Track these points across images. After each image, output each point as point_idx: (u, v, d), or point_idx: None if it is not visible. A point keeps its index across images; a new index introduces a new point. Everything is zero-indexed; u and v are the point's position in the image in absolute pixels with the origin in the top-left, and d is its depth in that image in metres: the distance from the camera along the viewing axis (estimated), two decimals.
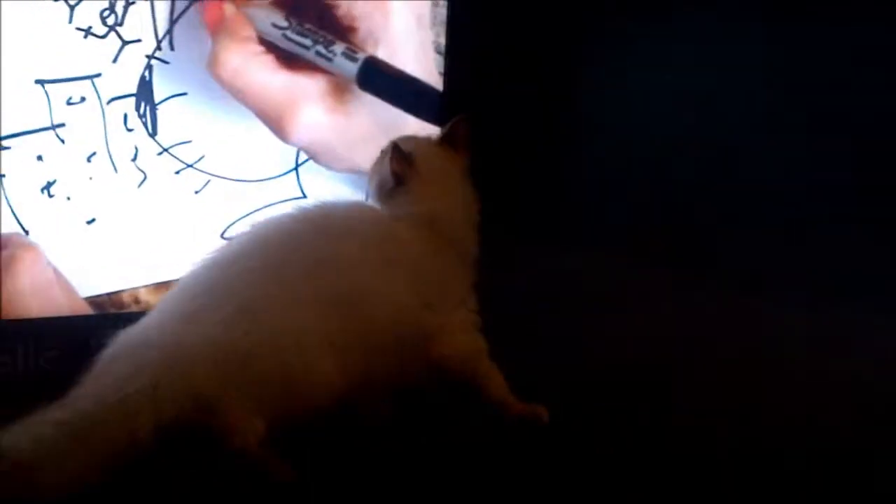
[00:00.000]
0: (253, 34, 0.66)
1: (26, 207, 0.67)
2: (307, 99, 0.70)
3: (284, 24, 0.66)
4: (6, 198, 0.65)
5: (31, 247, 0.66)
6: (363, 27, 0.68)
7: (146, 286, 0.70)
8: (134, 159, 0.69)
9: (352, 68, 0.67)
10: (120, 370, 0.54)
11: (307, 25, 0.65)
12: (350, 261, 0.59)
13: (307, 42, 0.66)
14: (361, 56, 0.67)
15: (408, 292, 0.61)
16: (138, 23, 0.67)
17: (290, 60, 0.69)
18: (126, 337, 0.56)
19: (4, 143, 0.63)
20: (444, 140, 0.66)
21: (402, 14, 0.68)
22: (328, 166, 0.74)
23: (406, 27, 0.67)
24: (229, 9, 0.65)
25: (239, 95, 0.67)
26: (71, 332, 0.68)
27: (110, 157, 0.67)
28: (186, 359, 0.54)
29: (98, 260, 0.70)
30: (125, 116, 0.68)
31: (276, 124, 0.69)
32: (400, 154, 0.63)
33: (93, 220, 0.67)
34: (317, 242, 0.60)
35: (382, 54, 0.70)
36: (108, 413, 0.52)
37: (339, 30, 0.68)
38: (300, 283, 0.58)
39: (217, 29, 0.66)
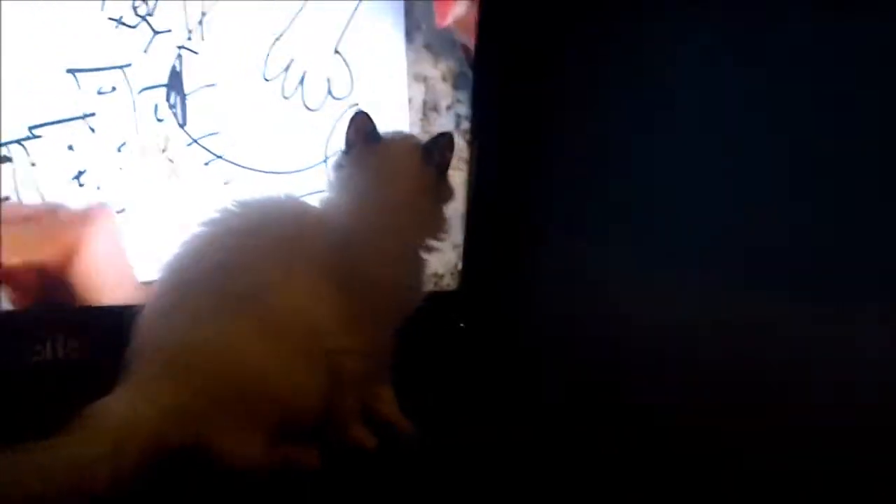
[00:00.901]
0: None
1: (57, 196, 0.67)
2: None
3: None
4: (37, 186, 0.64)
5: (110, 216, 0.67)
6: None
7: None
8: (164, 150, 0.68)
9: None
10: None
11: None
12: (255, 257, 0.60)
13: None
14: None
15: (307, 294, 0.61)
16: (169, 13, 0.66)
17: None
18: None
19: (35, 131, 0.63)
20: (424, 147, 0.64)
21: None
22: None
23: None
24: None
25: None
26: (101, 321, 0.68)
27: (141, 147, 0.67)
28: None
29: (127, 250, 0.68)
30: (155, 107, 0.68)
31: None
32: (363, 121, 0.63)
33: (122, 209, 0.66)
34: (227, 243, 0.61)
35: None
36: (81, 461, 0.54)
37: None
38: (213, 287, 0.59)
39: None
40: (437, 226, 0.62)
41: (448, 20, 0.69)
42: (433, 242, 0.63)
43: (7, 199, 0.62)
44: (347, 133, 0.63)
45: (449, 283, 0.79)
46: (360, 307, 0.61)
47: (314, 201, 0.64)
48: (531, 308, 0.79)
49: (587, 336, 0.72)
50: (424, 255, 0.63)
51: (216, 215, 0.61)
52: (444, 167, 0.64)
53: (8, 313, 0.64)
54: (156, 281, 0.59)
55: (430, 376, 0.70)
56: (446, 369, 0.73)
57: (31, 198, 0.67)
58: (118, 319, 0.61)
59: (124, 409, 0.56)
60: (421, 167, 0.63)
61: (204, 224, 0.60)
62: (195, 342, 0.58)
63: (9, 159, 0.64)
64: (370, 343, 0.63)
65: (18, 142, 0.65)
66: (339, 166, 0.63)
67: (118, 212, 0.68)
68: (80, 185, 0.67)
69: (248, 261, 0.60)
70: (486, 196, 0.76)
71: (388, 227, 0.63)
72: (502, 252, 0.78)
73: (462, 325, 0.79)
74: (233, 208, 0.61)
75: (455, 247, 0.78)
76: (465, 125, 0.77)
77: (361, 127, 0.63)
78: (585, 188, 0.75)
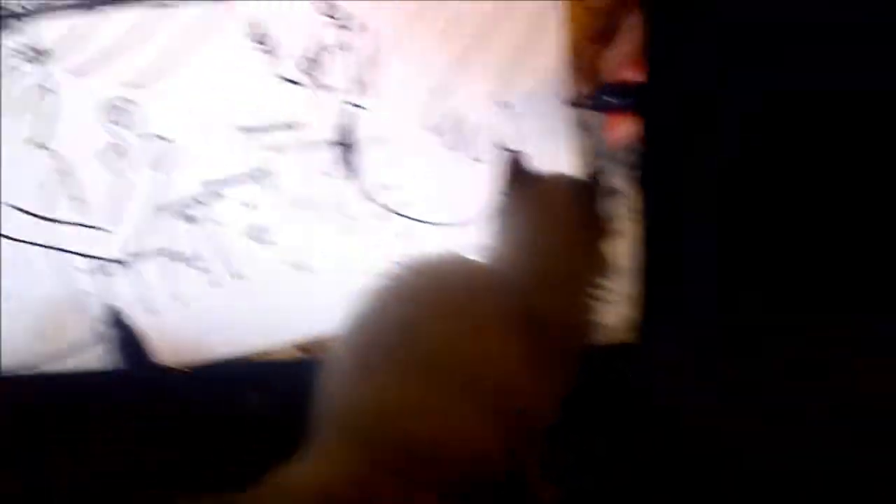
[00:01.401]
0: None
1: (238, 254, 0.70)
2: None
3: None
4: (220, 244, 0.67)
5: None
6: None
7: None
8: (337, 204, 0.69)
9: None
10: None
11: None
12: (436, 316, 0.59)
13: None
14: None
15: (494, 351, 0.59)
16: (339, 70, 0.68)
17: None
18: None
19: (217, 189, 0.66)
20: (582, 185, 0.62)
21: None
22: None
23: None
24: None
25: None
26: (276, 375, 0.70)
27: (315, 202, 0.70)
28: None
29: (305, 304, 0.71)
30: (328, 162, 0.69)
31: None
32: (517, 163, 0.62)
33: (300, 264, 0.68)
34: (406, 302, 0.60)
35: None
36: None
37: None
38: (395, 347, 0.58)
39: None
40: (602, 265, 0.61)
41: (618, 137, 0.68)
42: (601, 282, 0.61)
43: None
44: (503, 177, 0.61)
45: (622, 336, 0.77)
46: (542, 359, 0.59)
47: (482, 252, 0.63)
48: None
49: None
50: (596, 297, 0.62)
51: (392, 273, 0.61)
52: (604, 205, 0.61)
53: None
54: (335, 338, 0.60)
55: (599, 430, 0.69)
56: (616, 423, 0.71)
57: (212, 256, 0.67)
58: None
59: (312, 477, 0.57)
60: (579, 205, 0.61)
61: (381, 282, 0.60)
62: (382, 406, 0.57)
63: (192, 218, 0.67)
64: (555, 398, 0.60)
65: (201, 200, 0.67)
66: (498, 212, 0.62)
67: (295, 267, 0.69)
68: (260, 242, 0.69)
69: (431, 320, 0.59)
70: (659, 245, 0.75)
71: (556, 271, 0.61)
72: (678, 302, 0.77)
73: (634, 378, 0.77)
74: (408, 266, 0.61)
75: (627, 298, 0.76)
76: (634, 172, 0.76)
77: (516, 169, 0.62)
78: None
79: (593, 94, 0.69)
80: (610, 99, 0.68)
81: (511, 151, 0.62)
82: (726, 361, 0.73)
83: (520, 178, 0.63)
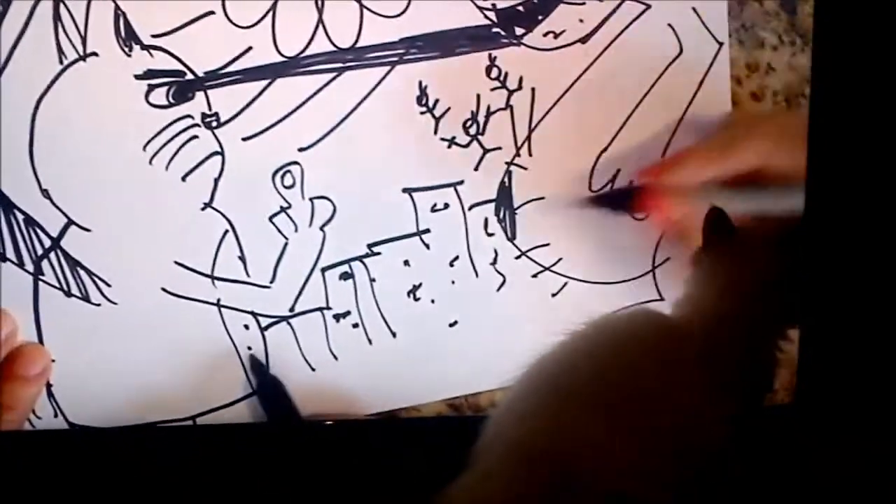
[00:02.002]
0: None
1: (394, 311, 0.71)
2: None
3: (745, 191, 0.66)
4: (376, 302, 0.67)
5: None
6: None
7: (502, 388, 0.70)
8: (493, 263, 0.70)
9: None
10: None
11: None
12: (627, 366, 0.59)
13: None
14: None
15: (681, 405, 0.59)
16: (499, 131, 0.68)
17: None
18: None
19: (375, 248, 0.66)
20: (782, 238, 0.62)
21: None
22: None
23: None
24: (679, 208, 0.65)
25: None
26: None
27: (471, 261, 0.70)
28: None
29: (459, 361, 0.72)
30: (486, 221, 0.70)
31: None
32: (718, 216, 0.62)
33: (455, 322, 0.68)
34: (594, 353, 0.60)
35: None
36: None
37: None
38: (582, 392, 0.58)
39: (671, 233, 0.67)
40: (790, 314, 0.60)
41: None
42: (787, 332, 0.62)
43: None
44: (704, 230, 0.62)
45: (783, 397, 0.76)
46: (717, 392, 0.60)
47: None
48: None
49: None
50: (780, 347, 0.63)
51: (580, 328, 0.61)
52: (796, 258, 0.60)
53: None
54: (513, 384, 0.60)
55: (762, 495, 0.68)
56: (781, 487, 0.70)
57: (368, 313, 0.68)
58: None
59: (475, 493, 0.56)
60: (777, 259, 0.61)
61: (567, 335, 0.61)
62: (549, 434, 0.57)
63: (350, 276, 0.66)
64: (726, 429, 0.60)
65: (360, 259, 0.68)
66: (696, 261, 0.63)
67: (450, 325, 0.69)
68: (416, 300, 0.69)
69: (611, 365, 0.60)
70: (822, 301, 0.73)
71: (743, 313, 0.62)
72: (842, 366, 0.75)
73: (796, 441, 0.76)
74: (597, 321, 0.61)
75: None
76: None
77: (716, 222, 0.61)
78: None
79: None
80: None
81: (712, 207, 0.63)
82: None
83: (718, 231, 0.63)
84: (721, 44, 0.72)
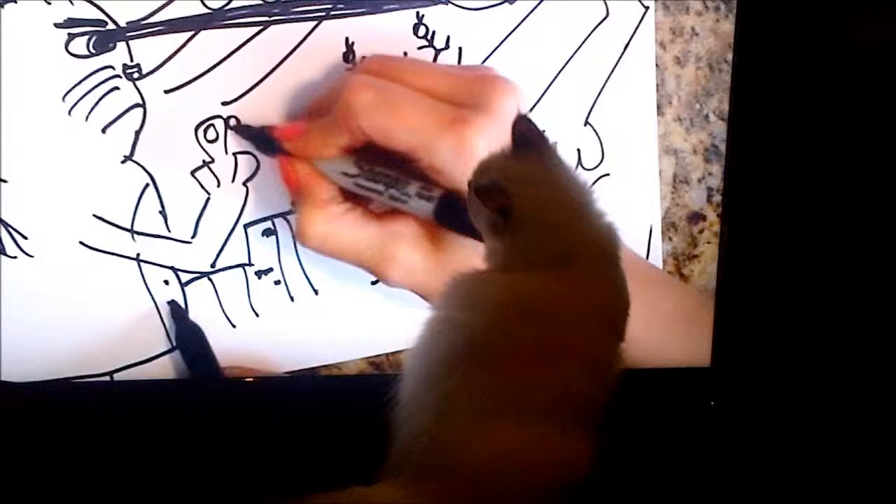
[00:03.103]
0: (332, 192, 0.63)
1: (316, 269, 0.73)
2: (401, 245, 0.66)
3: (355, 171, 0.63)
4: (299, 259, 0.67)
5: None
6: (447, 177, 0.62)
7: None
8: (288, 212, 0.69)
9: (428, 207, 0.63)
10: None
11: (378, 169, 0.63)
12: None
13: (380, 187, 0.63)
14: (437, 193, 0.62)
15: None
16: None
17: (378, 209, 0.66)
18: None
19: None
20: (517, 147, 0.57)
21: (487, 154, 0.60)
22: None
23: None
24: (302, 168, 0.63)
25: (332, 257, 0.66)
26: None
27: None
28: None
29: (380, 319, 0.75)
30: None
31: (377, 275, 0.67)
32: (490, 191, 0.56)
33: (376, 280, 0.69)
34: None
35: None
36: None
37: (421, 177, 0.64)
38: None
39: (296, 193, 0.64)
40: None
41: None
42: None
43: None
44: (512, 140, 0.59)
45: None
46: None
47: None
48: (785, 388, 0.77)
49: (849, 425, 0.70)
50: None
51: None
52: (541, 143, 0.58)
53: None
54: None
55: (677, 458, 0.69)
56: (695, 451, 0.72)
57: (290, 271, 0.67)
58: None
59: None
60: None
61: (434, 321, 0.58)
62: (447, 437, 0.55)
63: (273, 232, 0.71)
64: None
65: (283, 215, 0.72)
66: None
67: (372, 283, 0.69)
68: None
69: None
70: (738, 272, 0.75)
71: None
72: (755, 329, 0.77)
73: (713, 403, 0.78)
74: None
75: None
76: (717, 198, 0.76)
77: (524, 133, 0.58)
78: (843, 265, 0.73)
79: None
80: None
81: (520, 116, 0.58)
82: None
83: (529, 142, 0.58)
84: (647, 8, 0.73)
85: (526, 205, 0.57)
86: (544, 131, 0.58)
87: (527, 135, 0.58)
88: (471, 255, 0.64)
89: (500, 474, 0.55)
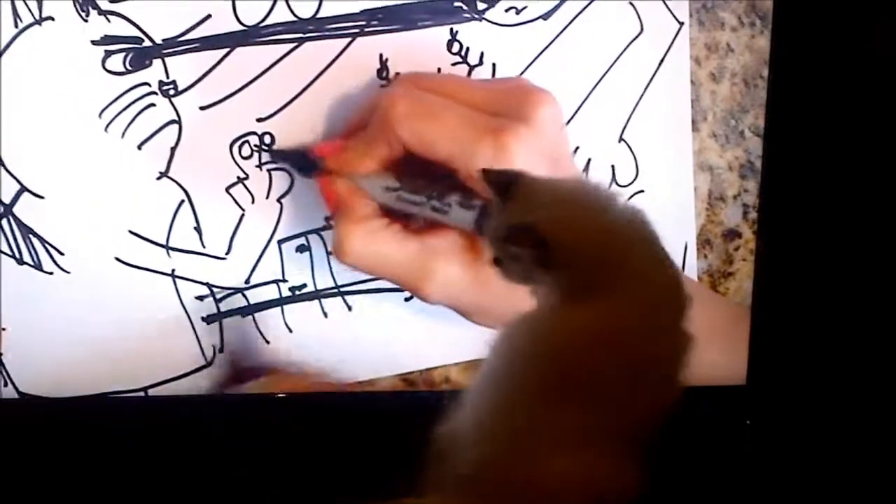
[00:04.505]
0: (371, 207, 0.63)
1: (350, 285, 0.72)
2: (440, 260, 0.65)
3: (395, 184, 0.63)
4: (332, 275, 0.68)
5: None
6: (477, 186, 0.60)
7: (456, 363, 0.72)
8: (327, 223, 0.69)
9: (469, 217, 0.62)
10: None
11: (418, 182, 0.62)
12: None
13: (420, 199, 0.62)
14: (477, 203, 0.61)
15: None
16: None
17: (416, 223, 0.66)
18: None
19: (332, 221, 0.67)
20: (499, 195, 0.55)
21: (527, 163, 0.60)
22: (477, 322, 0.68)
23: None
24: (342, 185, 0.63)
25: (370, 273, 0.66)
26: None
27: None
28: None
29: (414, 336, 0.75)
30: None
31: (414, 291, 0.65)
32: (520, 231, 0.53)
33: (410, 297, 0.69)
34: None
35: None
36: None
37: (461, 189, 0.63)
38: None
39: (335, 210, 0.64)
40: None
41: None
42: None
43: None
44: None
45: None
46: None
47: None
48: (822, 406, 0.77)
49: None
50: None
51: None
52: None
53: None
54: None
55: (713, 476, 0.69)
56: (731, 469, 0.72)
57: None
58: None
59: None
60: None
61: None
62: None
63: (307, 248, 0.72)
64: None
65: (317, 231, 0.73)
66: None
67: (406, 300, 0.69)
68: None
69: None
70: (774, 289, 0.75)
71: None
72: (791, 347, 0.77)
73: (749, 422, 0.78)
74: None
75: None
76: (753, 215, 0.76)
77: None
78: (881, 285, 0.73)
79: None
80: None
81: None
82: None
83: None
84: (681, 24, 0.73)
85: (552, 230, 0.54)
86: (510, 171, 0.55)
87: (501, 178, 0.56)
88: None
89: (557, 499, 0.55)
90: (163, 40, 0.65)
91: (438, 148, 0.62)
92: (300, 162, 0.68)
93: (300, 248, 0.69)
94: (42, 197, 0.63)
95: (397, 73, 0.68)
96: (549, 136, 0.61)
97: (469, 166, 0.62)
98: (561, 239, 0.54)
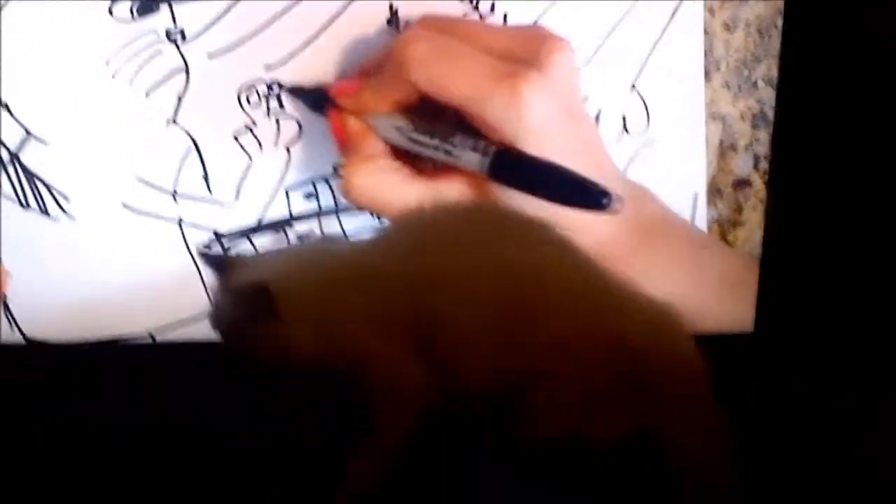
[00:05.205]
0: (380, 147, 0.63)
1: (358, 232, 0.73)
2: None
3: (408, 125, 0.63)
4: (340, 222, 0.70)
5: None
6: (499, 132, 0.62)
7: None
8: (335, 171, 0.69)
9: (480, 161, 0.62)
10: None
11: (431, 124, 0.62)
12: None
13: (433, 141, 0.63)
14: (492, 149, 0.61)
15: None
16: None
17: (426, 167, 0.66)
18: None
19: (341, 169, 0.67)
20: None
21: (540, 110, 0.61)
22: None
23: (546, 122, 0.62)
24: (352, 123, 0.63)
25: (375, 211, 0.66)
26: None
27: None
28: None
29: None
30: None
31: None
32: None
33: None
34: None
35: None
36: None
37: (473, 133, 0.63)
38: None
39: (346, 147, 0.64)
40: None
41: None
42: None
43: None
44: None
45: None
46: None
47: None
48: (829, 358, 0.77)
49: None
50: None
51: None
52: None
53: None
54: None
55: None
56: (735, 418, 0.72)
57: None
58: None
59: None
60: None
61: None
62: None
63: (315, 195, 0.72)
64: None
65: (325, 179, 0.72)
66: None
67: None
68: (380, 220, 0.72)
69: None
70: (783, 239, 0.75)
71: None
72: (799, 297, 0.77)
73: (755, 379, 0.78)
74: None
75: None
76: (764, 165, 0.76)
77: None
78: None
79: None
80: None
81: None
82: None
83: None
84: None
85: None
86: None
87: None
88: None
89: None
90: None
91: (452, 91, 0.62)
92: (315, 99, 0.68)
93: (308, 196, 0.68)
94: (47, 143, 0.62)
95: (407, 22, 0.66)
96: (564, 84, 0.62)
97: (483, 111, 0.62)
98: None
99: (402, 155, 0.66)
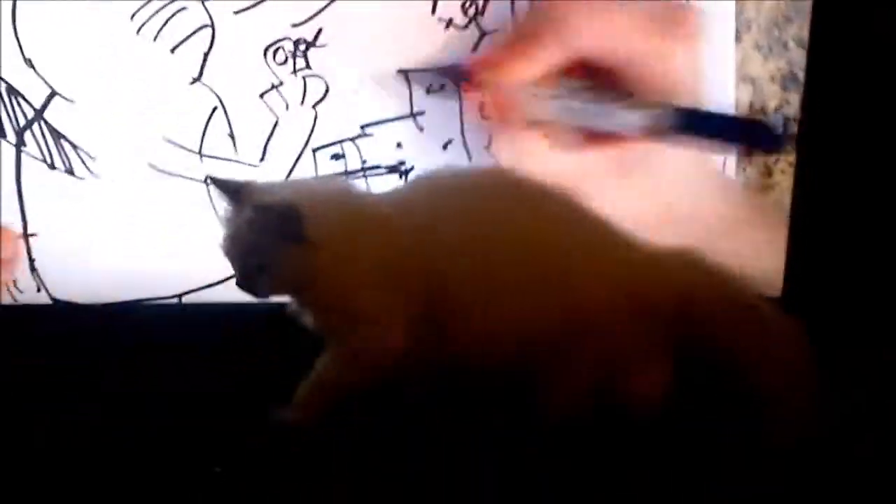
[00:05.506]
0: (529, 120, 0.63)
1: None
2: (592, 179, 0.65)
3: (558, 92, 0.63)
4: (367, 183, 0.69)
5: None
6: (661, 91, 0.63)
7: None
8: (487, 146, 0.70)
9: (637, 119, 0.63)
10: None
11: (586, 90, 0.62)
12: None
13: (591, 106, 0.63)
14: (652, 106, 0.63)
15: None
16: (498, 12, 0.69)
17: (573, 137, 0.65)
18: None
19: (367, 130, 0.66)
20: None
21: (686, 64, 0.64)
22: None
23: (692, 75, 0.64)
24: (498, 96, 0.63)
25: None
26: None
27: (465, 144, 0.70)
28: None
29: None
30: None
31: None
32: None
33: None
34: None
35: None
36: None
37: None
38: None
39: (499, 119, 0.64)
40: None
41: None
42: None
43: None
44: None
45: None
46: None
47: None
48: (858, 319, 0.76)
49: None
50: None
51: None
52: None
53: None
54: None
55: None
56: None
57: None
58: None
59: None
60: None
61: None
62: None
63: (342, 156, 0.67)
64: None
65: (352, 140, 0.69)
66: None
67: None
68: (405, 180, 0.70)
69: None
70: (812, 202, 0.74)
71: None
72: (829, 261, 0.77)
73: None
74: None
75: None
76: (794, 128, 0.75)
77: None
78: None
79: None
80: None
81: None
82: None
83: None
84: None
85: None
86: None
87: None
88: (657, 184, 0.68)
89: None
90: None
91: (614, 52, 0.63)
92: (454, 74, 0.68)
93: (335, 156, 0.67)
94: (73, 101, 0.62)
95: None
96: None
97: (644, 69, 0.63)
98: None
99: (548, 124, 0.65)
